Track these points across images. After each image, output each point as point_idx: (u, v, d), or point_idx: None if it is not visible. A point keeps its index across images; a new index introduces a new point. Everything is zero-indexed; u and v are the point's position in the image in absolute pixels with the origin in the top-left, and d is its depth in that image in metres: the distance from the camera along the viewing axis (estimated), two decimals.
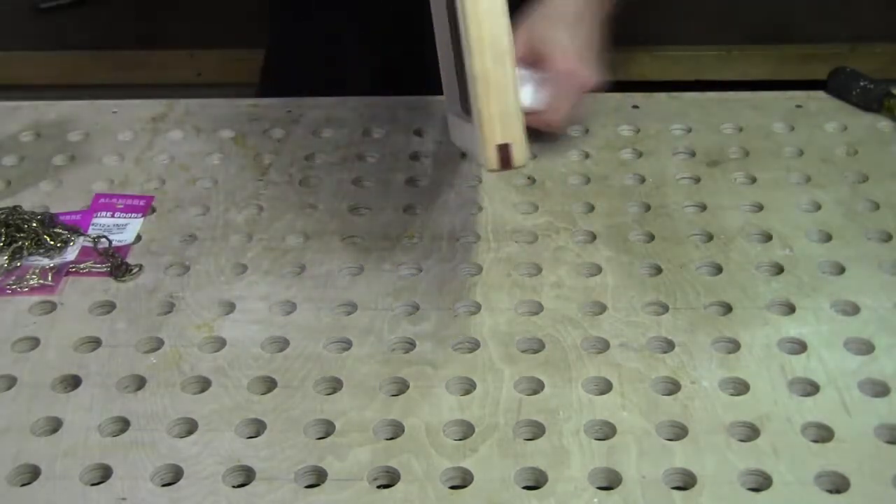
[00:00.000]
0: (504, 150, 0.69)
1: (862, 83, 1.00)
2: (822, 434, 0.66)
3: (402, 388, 0.70)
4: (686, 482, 0.63)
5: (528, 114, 0.89)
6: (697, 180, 0.91)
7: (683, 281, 0.79)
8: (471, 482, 0.63)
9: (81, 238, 0.85)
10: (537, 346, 0.73)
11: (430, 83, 0.95)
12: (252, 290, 0.79)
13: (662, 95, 1.04)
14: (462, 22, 0.69)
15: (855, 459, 0.63)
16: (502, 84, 0.68)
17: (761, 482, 0.63)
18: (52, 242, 0.83)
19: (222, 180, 0.93)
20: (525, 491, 0.62)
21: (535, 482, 0.63)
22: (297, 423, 0.67)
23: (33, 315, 0.77)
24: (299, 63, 1.18)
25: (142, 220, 0.87)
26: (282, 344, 0.74)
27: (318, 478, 0.64)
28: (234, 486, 0.63)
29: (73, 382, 0.71)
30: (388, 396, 0.69)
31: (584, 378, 0.70)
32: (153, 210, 0.89)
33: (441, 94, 0.94)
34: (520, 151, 0.69)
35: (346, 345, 0.74)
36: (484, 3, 0.68)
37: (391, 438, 0.66)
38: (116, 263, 0.82)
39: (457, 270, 0.81)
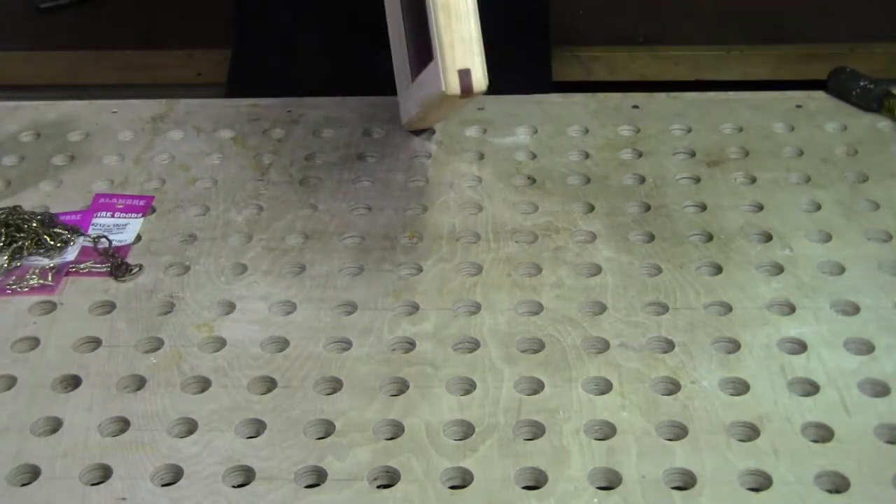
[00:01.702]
0: (465, 76, 0.71)
1: (862, 83, 1.00)
2: (822, 434, 0.66)
3: (402, 388, 0.70)
4: (686, 482, 0.63)
5: None
6: (697, 180, 0.91)
7: (683, 281, 0.79)
8: (471, 482, 0.63)
9: (81, 238, 0.85)
10: (537, 346, 0.73)
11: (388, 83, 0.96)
12: (252, 290, 0.79)
13: (662, 95, 1.04)
14: None
15: (855, 459, 0.63)
16: (462, 11, 0.71)
17: (761, 482, 0.63)
18: (52, 242, 0.83)
19: (222, 180, 0.93)
20: (525, 491, 0.62)
21: (535, 482, 0.63)
22: (297, 423, 0.67)
23: (33, 315, 0.77)
24: (262, 67, 1.20)
25: (142, 220, 0.87)
26: (282, 344, 0.74)
27: (318, 478, 0.64)
28: (234, 486, 0.63)
29: (73, 382, 0.71)
30: (388, 396, 0.69)
31: (584, 378, 0.70)
32: (153, 210, 0.89)
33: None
34: (480, 77, 0.71)
35: (346, 345, 0.74)
36: None
37: (391, 438, 0.66)
38: (116, 263, 0.82)
39: (457, 270, 0.81)
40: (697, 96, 1.04)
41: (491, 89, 0.76)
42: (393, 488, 0.63)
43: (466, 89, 0.71)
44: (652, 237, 0.84)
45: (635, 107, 1.02)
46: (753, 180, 0.91)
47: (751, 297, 0.77)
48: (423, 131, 0.98)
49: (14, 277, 0.81)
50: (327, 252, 0.83)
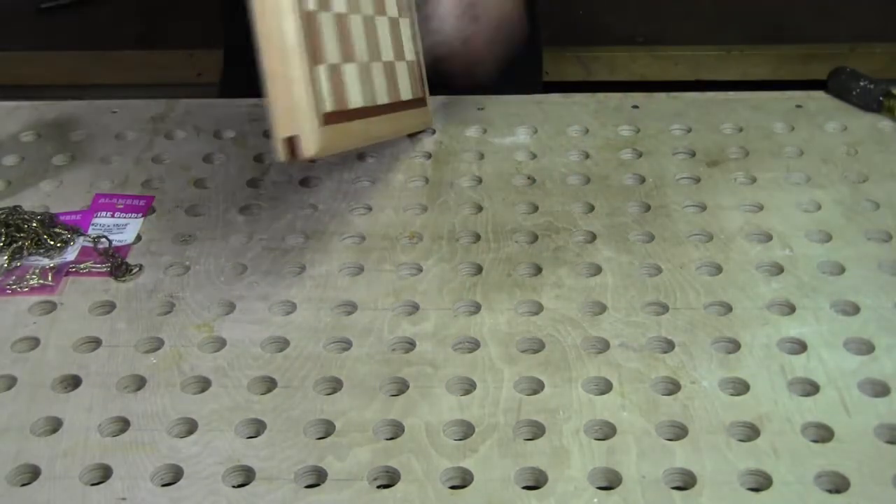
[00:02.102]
0: (291, 142, 0.72)
1: (862, 83, 1.00)
2: (822, 434, 0.66)
3: (402, 388, 0.70)
4: (686, 482, 0.63)
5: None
6: (697, 180, 0.91)
7: (683, 281, 0.79)
8: (471, 482, 0.63)
9: (81, 238, 0.85)
10: (537, 346, 0.73)
11: None
12: (252, 290, 0.79)
13: (662, 95, 1.04)
14: (252, 21, 0.72)
15: (855, 459, 0.63)
16: (288, 79, 0.71)
17: (761, 482, 0.63)
18: (52, 242, 0.83)
19: (222, 180, 0.93)
20: (525, 491, 0.62)
21: (535, 482, 0.63)
22: (297, 423, 0.67)
23: (33, 315, 0.77)
24: (255, 67, 1.20)
25: (142, 220, 0.87)
26: (282, 344, 0.74)
27: (318, 478, 0.64)
28: (234, 486, 0.63)
29: (73, 382, 0.71)
30: (388, 396, 0.69)
31: (584, 378, 0.70)
32: (153, 210, 0.89)
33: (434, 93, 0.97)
34: (308, 143, 0.72)
35: (346, 345, 0.74)
36: (268, 3, 0.70)
37: (391, 438, 0.66)
38: (116, 263, 0.82)
39: (457, 270, 0.81)
40: (697, 96, 1.04)
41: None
42: (393, 488, 0.63)
43: (294, 156, 0.72)
44: (652, 237, 0.84)
45: (635, 107, 1.02)
46: (753, 180, 0.91)
47: (751, 297, 0.77)
48: (422, 132, 0.98)
49: (14, 277, 0.81)
50: (327, 252, 0.83)
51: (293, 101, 0.71)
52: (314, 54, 0.73)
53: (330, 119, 0.74)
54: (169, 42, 1.93)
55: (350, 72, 0.79)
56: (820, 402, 0.68)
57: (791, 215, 0.86)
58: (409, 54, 0.92)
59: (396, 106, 0.88)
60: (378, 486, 0.63)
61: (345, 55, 0.79)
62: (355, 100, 0.80)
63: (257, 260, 0.82)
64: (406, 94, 0.90)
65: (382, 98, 0.85)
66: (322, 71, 0.74)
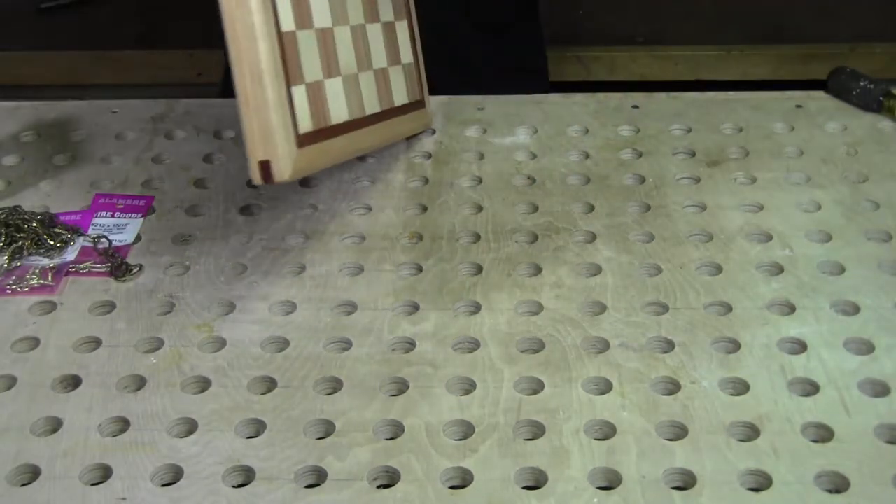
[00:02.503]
0: (265, 166, 0.71)
1: (862, 83, 1.00)
2: (822, 434, 0.66)
3: (402, 388, 0.70)
4: (686, 482, 0.63)
5: None
6: (697, 180, 0.91)
7: (683, 281, 0.79)
8: (471, 482, 0.63)
9: (81, 238, 0.85)
10: (537, 346, 0.73)
11: None
12: (252, 290, 0.79)
13: (662, 95, 1.04)
14: (225, 43, 0.71)
15: (855, 459, 0.63)
16: (261, 103, 0.71)
17: (761, 482, 0.63)
18: (52, 242, 0.83)
19: (222, 180, 0.93)
20: (525, 491, 0.62)
21: (535, 482, 0.63)
22: (297, 423, 0.67)
23: (33, 315, 0.77)
24: None
25: (142, 220, 0.87)
26: (282, 344, 0.74)
27: (318, 478, 0.64)
28: (234, 486, 0.63)
29: (73, 382, 0.71)
30: (388, 396, 0.69)
31: (584, 378, 0.70)
32: (153, 210, 0.89)
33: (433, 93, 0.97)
34: (282, 168, 0.71)
35: (346, 345, 0.74)
36: (239, 27, 0.70)
37: (391, 438, 0.66)
38: (116, 263, 0.82)
39: (457, 270, 0.81)
40: (697, 96, 1.04)
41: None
42: (393, 488, 0.63)
43: (267, 179, 0.72)
44: (652, 237, 0.84)
45: (635, 107, 1.02)
46: (753, 180, 0.91)
47: (751, 297, 0.77)
48: (422, 132, 0.98)
49: (14, 277, 0.81)
50: (327, 252, 0.83)
51: (265, 125, 0.71)
52: (290, 75, 0.73)
53: (307, 139, 0.74)
54: (169, 42, 1.93)
55: (334, 87, 0.79)
56: (820, 402, 0.68)
57: (791, 215, 0.86)
58: (406, 57, 0.92)
59: (389, 113, 0.88)
60: (378, 486, 0.63)
61: (328, 70, 0.78)
62: (339, 115, 0.79)
63: (257, 260, 0.82)
64: (401, 98, 0.90)
65: (373, 107, 0.85)
66: (299, 91, 0.74)
